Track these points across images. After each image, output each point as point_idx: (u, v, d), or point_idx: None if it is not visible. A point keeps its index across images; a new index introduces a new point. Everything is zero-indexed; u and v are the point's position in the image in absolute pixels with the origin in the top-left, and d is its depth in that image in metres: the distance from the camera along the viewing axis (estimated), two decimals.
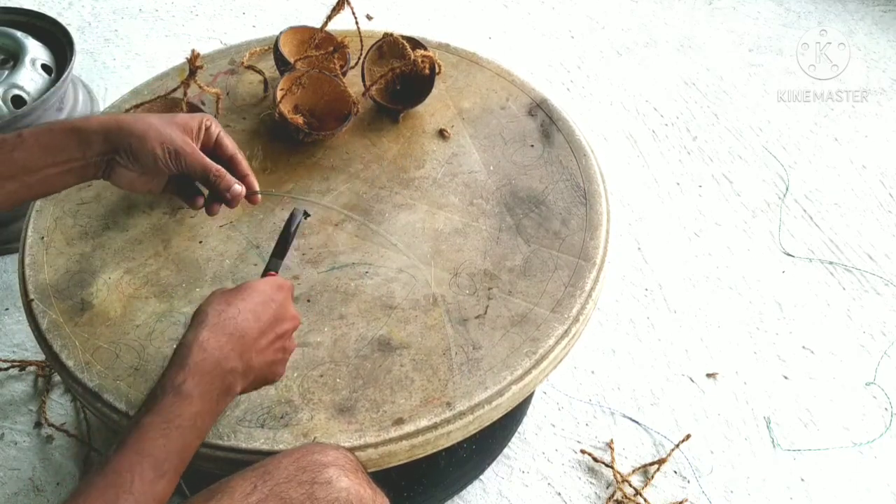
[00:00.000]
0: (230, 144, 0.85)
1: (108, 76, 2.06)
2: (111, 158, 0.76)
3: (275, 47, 1.17)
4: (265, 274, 0.82)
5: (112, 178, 0.79)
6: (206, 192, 0.85)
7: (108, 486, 0.59)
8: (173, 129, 0.78)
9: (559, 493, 1.26)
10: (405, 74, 1.14)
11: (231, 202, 0.83)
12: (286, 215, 1.00)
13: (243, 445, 0.79)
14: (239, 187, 0.83)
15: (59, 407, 1.36)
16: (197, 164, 0.79)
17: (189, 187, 0.86)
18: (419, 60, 1.11)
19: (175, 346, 0.68)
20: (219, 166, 0.82)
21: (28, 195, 0.76)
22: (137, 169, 0.78)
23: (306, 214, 1.01)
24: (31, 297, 0.92)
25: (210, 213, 0.86)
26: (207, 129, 0.82)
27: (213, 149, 0.84)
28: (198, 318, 0.70)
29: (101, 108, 1.34)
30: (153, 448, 0.62)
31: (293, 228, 0.84)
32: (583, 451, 1.29)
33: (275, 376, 0.76)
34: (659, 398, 1.38)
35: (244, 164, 0.85)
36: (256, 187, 0.87)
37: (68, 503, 0.58)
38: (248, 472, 0.68)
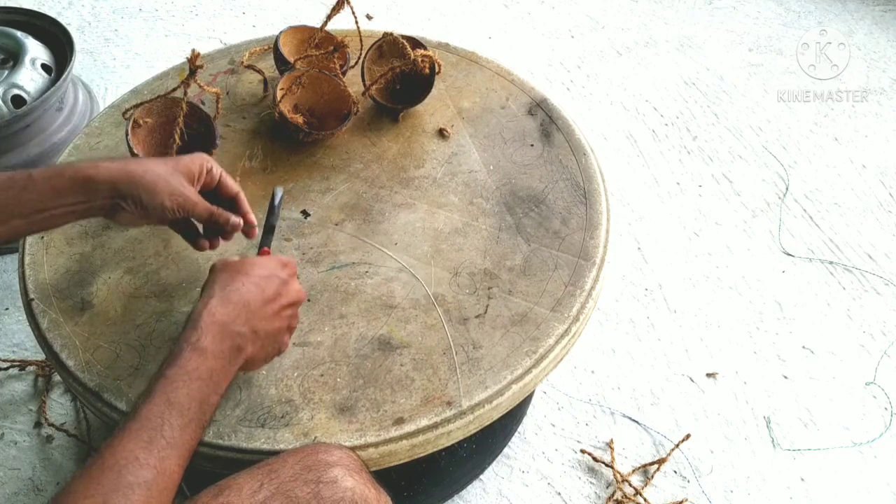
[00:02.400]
0: (232, 185, 0.88)
1: (108, 76, 2.06)
2: (116, 203, 0.78)
3: (275, 47, 1.17)
4: (260, 250, 0.87)
5: (114, 219, 0.81)
6: (200, 228, 0.90)
7: (142, 429, 0.64)
8: (179, 180, 0.81)
9: (559, 493, 1.26)
10: (405, 74, 1.14)
11: (230, 235, 0.89)
12: (287, 215, 1.02)
13: (244, 445, 0.80)
14: (236, 219, 0.87)
15: (59, 407, 1.36)
16: (202, 212, 0.83)
17: (188, 225, 0.89)
18: (419, 60, 1.11)
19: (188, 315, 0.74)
20: (219, 208, 0.85)
21: (30, 230, 0.78)
22: (142, 215, 0.80)
23: (306, 214, 1.01)
24: (31, 296, 0.92)
25: (212, 248, 0.91)
26: (209, 171, 0.85)
27: (216, 189, 0.87)
28: (207, 291, 0.75)
29: (103, 108, 1.34)
30: (177, 396, 0.67)
31: (276, 202, 0.90)
32: (583, 451, 1.29)
33: (282, 345, 0.80)
34: (659, 398, 1.38)
35: (245, 204, 0.89)
36: (254, 222, 0.90)
37: (105, 448, 0.62)
38: (254, 471, 0.70)
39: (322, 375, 0.85)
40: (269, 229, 0.89)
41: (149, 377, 0.84)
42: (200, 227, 0.90)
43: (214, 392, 0.70)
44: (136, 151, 1.00)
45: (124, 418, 0.65)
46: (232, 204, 0.88)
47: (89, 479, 0.60)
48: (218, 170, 0.86)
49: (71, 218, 0.78)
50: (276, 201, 0.91)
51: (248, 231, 0.89)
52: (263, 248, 0.87)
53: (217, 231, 0.88)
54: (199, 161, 0.84)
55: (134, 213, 0.79)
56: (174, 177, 0.80)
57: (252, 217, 0.89)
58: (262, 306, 0.76)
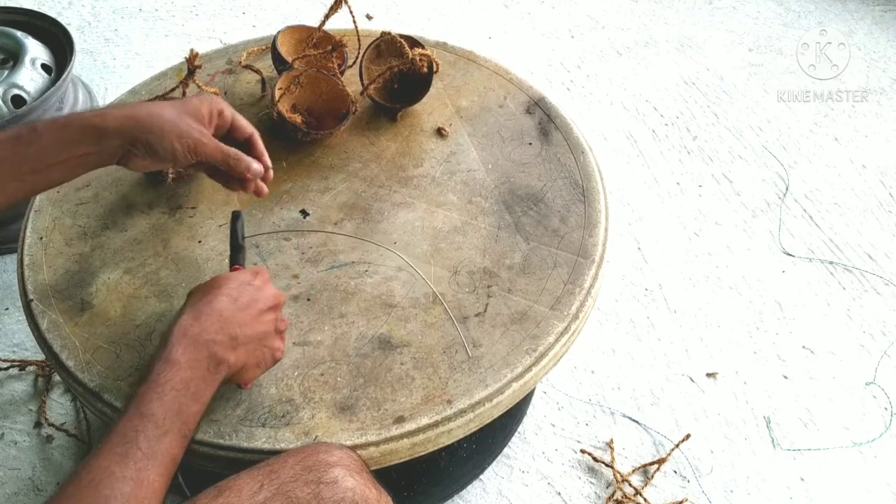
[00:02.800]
0: (246, 125, 0.87)
1: (108, 76, 2.06)
2: (127, 150, 0.77)
3: (272, 46, 1.17)
4: (231, 269, 0.86)
5: (127, 166, 0.80)
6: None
7: (117, 444, 0.63)
8: (189, 122, 0.79)
9: (559, 493, 1.26)
10: (403, 73, 1.14)
11: (250, 182, 0.86)
12: (285, 214, 1.02)
13: (244, 444, 0.79)
14: (257, 165, 0.85)
15: (59, 407, 1.36)
16: (216, 153, 0.81)
17: (215, 170, 0.88)
18: (417, 59, 1.11)
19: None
20: (236, 150, 0.83)
21: (47, 184, 0.78)
22: (154, 159, 0.79)
23: (305, 213, 1.01)
24: (31, 297, 0.92)
25: (259, 194, 0.88)
26: (220, 113, 0.83)
27: (229, 131, 0.85)
28: (179, 312, 0.76)
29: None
30: (151, 408, 0.66)
31: (237, 224, 0.89)
32: (583, 451, 1.29)
33: (274, 350, 0.79)
34: (659, 398, 1.38)
35: (260, 144, 0.88)
36: (269, 164, 0.89)
37: (81, 467, 0.62)
38: (254, 471, 0.69)
39: (322, 375, 0.85)
40: (236, 248, 0.88)
41: None
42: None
43: (194, 401, 0.69)
44: None
45: (104, 434, 0.65)
46: (247, 147, 0.86)
47: (65, 497, 0.60)
48: (230, 111, 0.84)
49: (83, 169, 0.77)
50: (237, 223, 0.89)
51: (264, 176, 0.87)
52: (234, 266, 0.87)
53: (236, 177, 0.85)
54: (209, 102, 0.82)
55: (145, 159, 0.78)
56: (182, 119, 0.78)
57: (267, 159, 0.88)
58: (235, 313, 0.75)
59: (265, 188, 0.89)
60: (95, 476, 0.61)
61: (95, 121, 0.75)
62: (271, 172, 0.89)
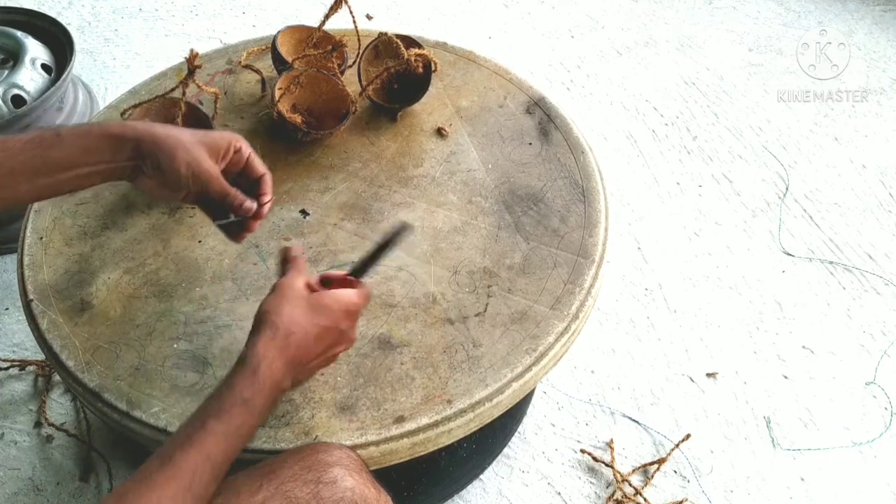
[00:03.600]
0: (259, 166, 0.85)
1: (108, 76, 2.06)
2: (137, 165, 0.77)
3: (272, 46, 1.17)
4: (348, 275, 0.81)
5: (136, 183, 0.80)
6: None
7: (171, 478, 0.61)
8: (201, 151, 0.79)
9: (559, 493, 1.26)
10: (401, 73, 1.14)
11: (243, 218, 0.84)
12: (286, 215, 1.01)
13: None
14: (249, 203, 0.83)
15: (59, 407, 1.36)
16: (216, 189, 0.81)
17: (215, 205, 0.85)
18: (412, 59, 1.11)
19: (243, 351, 0.70)
20: (236, 191, 0.82)
21: (55, 192, 0.77)
22: (160, 180, 0.78)
23: (305, 213, 1.01)
24: (31, 297, 0.92)
25: (236, 240, 0.88)
26: (237, 150, 0.83)
27: (243, 169, 0.84)
28: (266, 324, 0.72)
29: (101, 108, 1.34)
30: (216, 452, 0.64)
31: (394, 237, 0.80)
32: (583, 451, 1.29)
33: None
34: (659, 398, 1.38)
35: (267, 185, 0.86)
36: (266, 202, 0.85)
37: (129, 486, 0.60)
38: (253, 471, 0.69)
39: (322, 374, 0.85)
40: (370, 260, 0.80)
41: (149, 377, 0.85)
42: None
43: (244, 444, 0.69)
44: None
45: (154, 454, 0.63)
46: (255, 187, 0.85)
47: None
48: (247, 150, 0.84)
49: (95, 179, 0.77)
50: (392, 237, 0.79)
51: (257, 213, 0.84)
52: (350, 277, 0.80)
53: (233, 213, 0.83)
54: (228, 138, 0.82)
55: (153, 178, 0.78)
56: (196, 147, 0.78)
57: (266, 199, 0.85)
58: (311, 360, 0.74)
59: (255, 226, 0.86)
60: None
61: (115, 130, 0.75)
62: (265, 210, 0.85)
